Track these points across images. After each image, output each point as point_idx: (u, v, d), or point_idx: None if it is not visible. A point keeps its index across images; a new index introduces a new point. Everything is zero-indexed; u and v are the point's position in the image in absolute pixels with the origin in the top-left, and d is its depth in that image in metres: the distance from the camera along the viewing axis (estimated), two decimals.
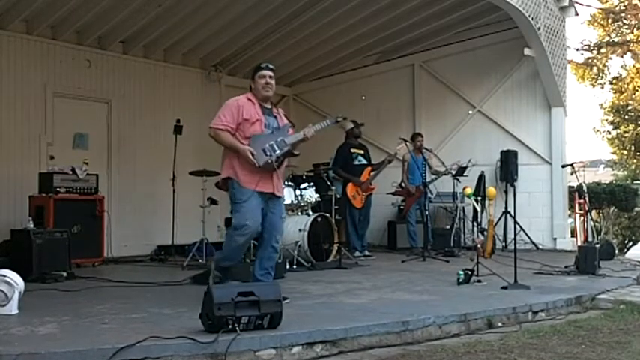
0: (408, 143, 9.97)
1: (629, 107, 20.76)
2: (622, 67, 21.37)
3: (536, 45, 10.66)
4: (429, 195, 10.34)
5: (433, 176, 10.39)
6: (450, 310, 5.24)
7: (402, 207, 11.24)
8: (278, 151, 5.66)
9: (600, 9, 20.22)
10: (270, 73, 5.78)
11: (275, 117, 5.83)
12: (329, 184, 9.58)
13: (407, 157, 10.37)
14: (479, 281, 6.90)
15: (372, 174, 10.01)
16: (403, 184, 10.69)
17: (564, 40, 11.75)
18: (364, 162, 10.15)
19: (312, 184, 9.23)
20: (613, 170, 26.55)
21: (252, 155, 5.54)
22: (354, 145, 10.22)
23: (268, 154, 5.62)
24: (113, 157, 10.39)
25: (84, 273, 7.58)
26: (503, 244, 10.69)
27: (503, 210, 9.38)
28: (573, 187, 11.59)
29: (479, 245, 7.41)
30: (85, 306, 5.33)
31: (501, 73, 11.89)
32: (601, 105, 21.87)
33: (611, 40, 20.18)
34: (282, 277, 7.32)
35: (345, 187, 9.91)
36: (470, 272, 6.91)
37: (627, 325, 5.33)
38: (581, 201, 10.56)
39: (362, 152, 10.24)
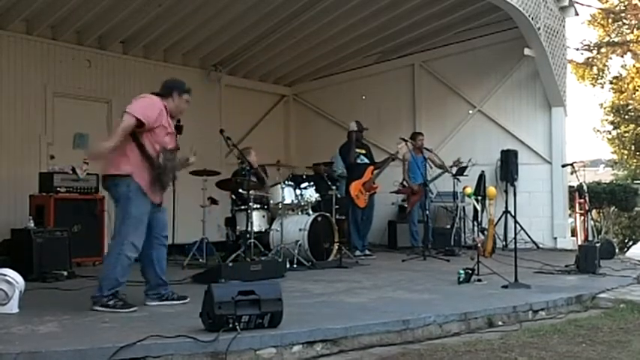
0: (408, 142, 9.97)
1: (629, 107, 20.79)
2: (622, 66, 21.45)
3: (536, 45, 10.65)
4: (430, 194, 10.33)
5: (439, 170, 10.34)
6: (450, 309, 5.25)
7: (404, 206, 11.20)
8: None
9: (600, 9, 20.22)
10: None
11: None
12: (329, 183, 9.57)
13: (407, 156, 10.35)
14: (479, 280, 6.90)
15: (374, 172, 10.02)
16: (405, 183, 10.67)
17: (564, 40, 11.74)
18: (366, 161, 10.15)
19: (312, 183, 9.23)
20: (613, 170, 26.53)
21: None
22: (356, 145, 10.21)
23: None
24: None
25: (84, 272, 7.57)
26: (504, 243, 10.67)
27: (504, 209, 9.37)
28: (573, 186, 11.58)
29: (479, 244, 7.42)
30: (86, 305, 5.33)
31: (501, 73, 11.88)
32: (601, 105, 21.92)
33: (611, 40, 20.18)
34: (282, 277, 7.34)
35: (347, 187, 9.91)
36: (470, 271, 6.91)
37: (627, 324, 5.33)
38: (582, 200, 10.54)
39: (364, 151, 10.23)
